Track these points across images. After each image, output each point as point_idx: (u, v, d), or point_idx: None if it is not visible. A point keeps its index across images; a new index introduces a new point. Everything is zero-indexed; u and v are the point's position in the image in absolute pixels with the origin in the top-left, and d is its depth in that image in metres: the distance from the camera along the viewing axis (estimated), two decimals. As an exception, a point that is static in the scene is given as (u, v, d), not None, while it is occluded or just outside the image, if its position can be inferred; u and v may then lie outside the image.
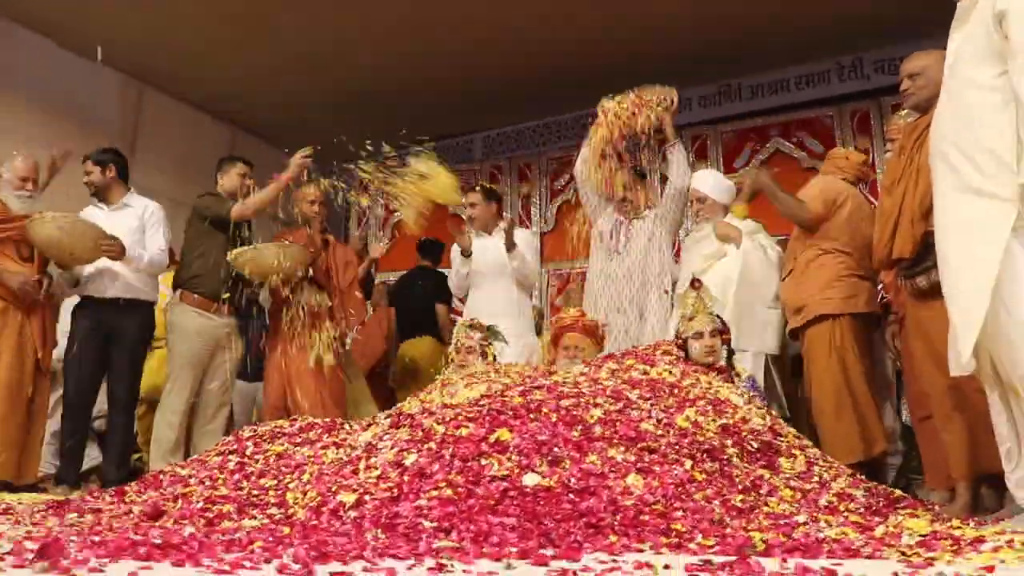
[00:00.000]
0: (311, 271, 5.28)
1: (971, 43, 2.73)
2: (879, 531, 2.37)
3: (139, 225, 5.09)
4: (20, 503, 3.59)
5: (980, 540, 2.15)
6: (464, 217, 5.79)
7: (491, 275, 5.41)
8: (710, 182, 5.09)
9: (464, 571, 1.82)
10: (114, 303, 4.97)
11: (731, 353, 4.06)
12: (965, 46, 2.76)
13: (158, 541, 2.07)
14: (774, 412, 3.73)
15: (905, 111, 4.05)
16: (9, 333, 4.65)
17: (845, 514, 2.72)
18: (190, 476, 3.18)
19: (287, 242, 5.15)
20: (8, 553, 1.82)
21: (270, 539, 2.27)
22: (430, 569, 1.83)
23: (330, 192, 5.37)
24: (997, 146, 2.59)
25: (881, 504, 2.99)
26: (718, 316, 4.06)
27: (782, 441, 3.26)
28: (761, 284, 4.65)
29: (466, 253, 5.43)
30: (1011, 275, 2.55)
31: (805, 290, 4.29)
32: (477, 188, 5.82)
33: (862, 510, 2.82)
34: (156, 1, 6.28)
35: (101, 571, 1.63)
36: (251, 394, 6.08)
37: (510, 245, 5.29)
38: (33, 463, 4.75)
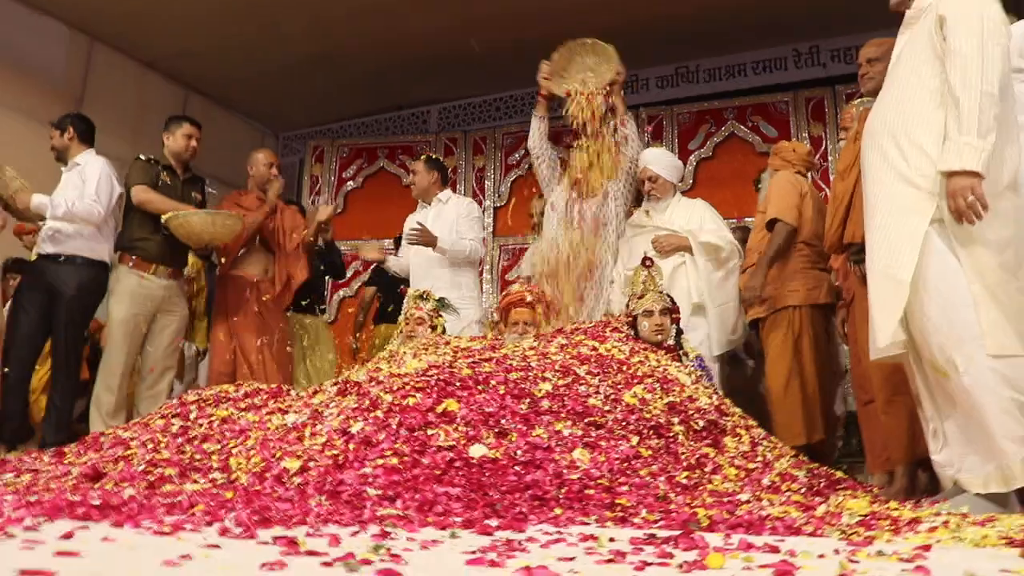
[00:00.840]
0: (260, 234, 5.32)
1: (915, 44, 2.85)
2: (820, 510, 2.40)
3: (81, 181, 4.99)
4: (-46, 462, 3.50)
5: (917, 521, 2.19)
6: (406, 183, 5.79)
7: (427, 250, 5.29)
8: (661, 160, 5.01)
9: (408, 539, 1.80)
10: (54, 259, 4.86)
11: (679, 332, 4.08)
12: (910, 47, 2.89)
13: (97, 502, 2.02)
14: (720, 392, 3.76)
15: (858, 100, 4.11)
16: None
17: (787, 494, 2.75)
18: (131, 439, 3.12)
19: (221, 210, 5.13)
20: (-61, 511, 1.77)
21: (212, 503, 2.24)
22: (374, 536, 1.81)
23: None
24: (926, 142, 2.72)
25: (822, 485, 3.02)
26: (668, 295, 4.08)
27: (728, 421, 3.28)
28: (718, 287, 4.67)
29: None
30: (932, 265, 2.65)
31: (769, 282, 4.35)
32: (421, 157, 5.77)
33: (804, 490, 2.85)
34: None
35: (36, 530, 1.59)
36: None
37: (430, 244, 5.25)
38: None
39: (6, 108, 6.21)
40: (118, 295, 4.90)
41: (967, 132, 2.59)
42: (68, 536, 1.53)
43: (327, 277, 6.57)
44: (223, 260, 5.36)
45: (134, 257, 4.93)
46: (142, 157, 5.10)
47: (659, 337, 3.92)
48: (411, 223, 5.45)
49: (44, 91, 6.49)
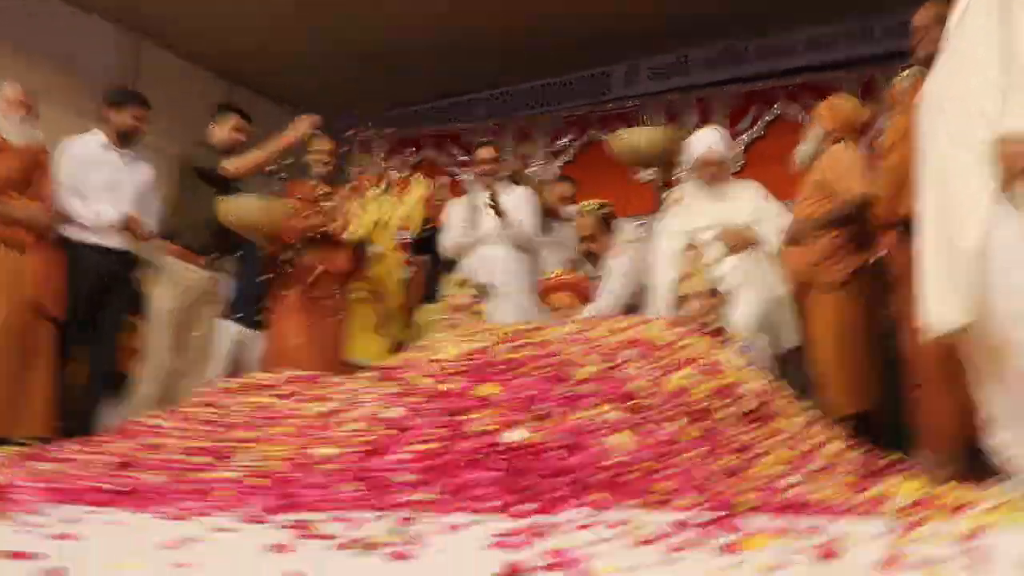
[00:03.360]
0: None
1: (978, 3, 2.68)
2: (870, 493, 2.30)
3: (150, 183, 5.02)
4: (-5, 454, 3.50)
5: (972, 503, 2.09)
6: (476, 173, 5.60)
7: (484, 234, 5.25)
8: (726, 139, 4.75)
9: (434, 523, 1.74)
10: (122, 254, 4.83)
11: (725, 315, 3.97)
12: (972, 6, 2.71)
13: (119, 488, 1.99)
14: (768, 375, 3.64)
15: (904, 73, 3.97)
16: (2, 277, 4.40)
17: (838, 476, 2.65)
18: (165, 427, 3.10)
19: (272, 196, 5.04)
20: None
21: (239, 490, 2.20)
22: (401, 519, 1.75)
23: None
24: (988, 104, 2.56)
25: (875, 468, 2.91)
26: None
27: (777, 404, 3.18)
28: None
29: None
30: (994, 234, 2.48)
31: (812, 259, 4.19)
32: (491, 144, 5.64)
33: (855, 473, 2.75)
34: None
35: (48, 515, 1.55)
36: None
37: (500, 212, 5.14)
38: (33, 417, 4.43)
39: (58, 106, 6.25)
40: (162, 285, 4.86)
41: None
42: (74, 520, 1.49)
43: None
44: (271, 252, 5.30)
45: (179, 247, 4.89)
46: (203, 143, 5.07)
47: (704, 320, 3.81)
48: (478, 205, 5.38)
49: (95, 89, 6.52)
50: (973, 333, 2.61)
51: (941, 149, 2.67)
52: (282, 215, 4.87)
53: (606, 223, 4.99)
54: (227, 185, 4.98)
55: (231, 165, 4.90)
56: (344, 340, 5.29)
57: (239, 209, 4.75)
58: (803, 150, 4.46)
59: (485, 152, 5.51)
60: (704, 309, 3.84)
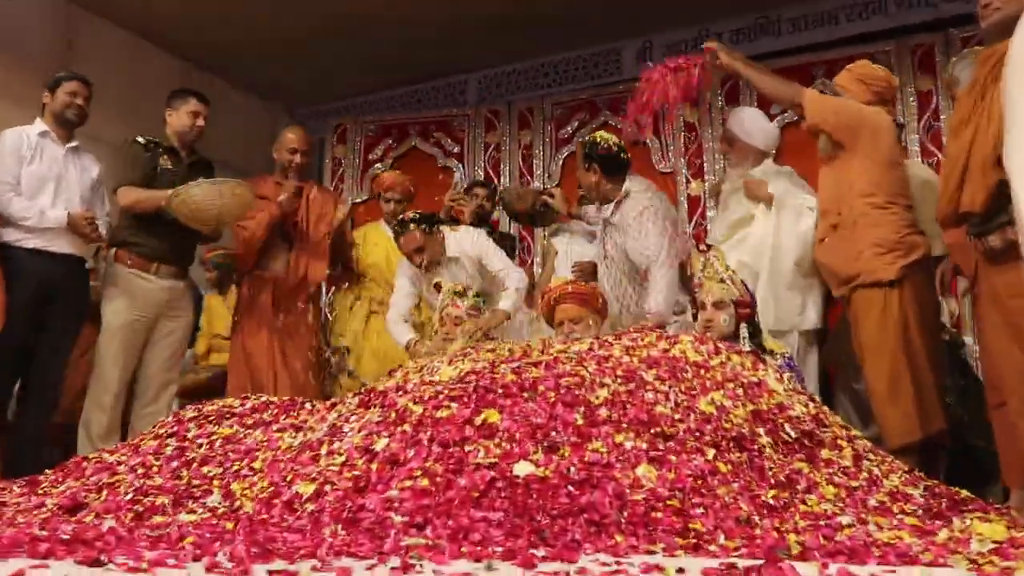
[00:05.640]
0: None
1: None
2: (942, 536, 2.29)
3: (99, 179, 5.02)
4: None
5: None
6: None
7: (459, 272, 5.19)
8: (740, 119, 5.17)
9: (434, 572, 1.72)
10: (70, 260, 4.80)
11: (757, 330, 3.97)
12: None
13: (66, 536, 1.98)
14: (816, 398, 3.61)
15: (965, 52, 3.93)
16: None
17: (900, 516, 2.64)
18: (119, 463, 3.10)
19: (228, 179, 4.96)
20: None
21: (207, 535, 2.19)
22: (393, 569, 1.74)
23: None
24: None
25: (943, 506, 2.90)
26: (743, 282, 3.98)
27: (826, 432, 3.16)
28: (794, 252, 4.59)
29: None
30: None
31: (854, 253, 4.04)
32: (410, 225, 5.14)
33: (920, 512, 2.74)
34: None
35: (-13, 569, 1.54)
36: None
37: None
38: None
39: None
40: (113, 298, 4.87)
41: None
42: (16, 576, 1.47)
43: None
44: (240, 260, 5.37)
45: (132, 255, 4.90)
46: (140, 140, 5.01)
47: (709, 335, 3.80)
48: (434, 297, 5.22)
49: (20, 66, 6.43)
50: None
51: None
52: (240, 196, 4.84)
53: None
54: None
55: (124, 199, 4.90)
56: (312, 357, 5.34)
57: (190, 198, 4.72)
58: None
59: (407, 243, 5.14)
60: (717, 322, 3.87)
